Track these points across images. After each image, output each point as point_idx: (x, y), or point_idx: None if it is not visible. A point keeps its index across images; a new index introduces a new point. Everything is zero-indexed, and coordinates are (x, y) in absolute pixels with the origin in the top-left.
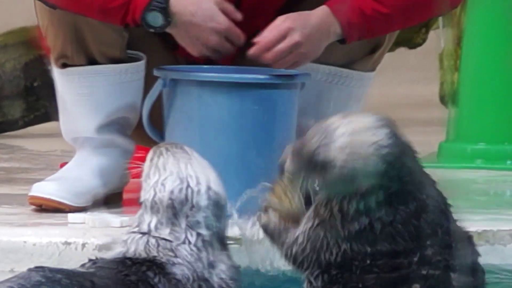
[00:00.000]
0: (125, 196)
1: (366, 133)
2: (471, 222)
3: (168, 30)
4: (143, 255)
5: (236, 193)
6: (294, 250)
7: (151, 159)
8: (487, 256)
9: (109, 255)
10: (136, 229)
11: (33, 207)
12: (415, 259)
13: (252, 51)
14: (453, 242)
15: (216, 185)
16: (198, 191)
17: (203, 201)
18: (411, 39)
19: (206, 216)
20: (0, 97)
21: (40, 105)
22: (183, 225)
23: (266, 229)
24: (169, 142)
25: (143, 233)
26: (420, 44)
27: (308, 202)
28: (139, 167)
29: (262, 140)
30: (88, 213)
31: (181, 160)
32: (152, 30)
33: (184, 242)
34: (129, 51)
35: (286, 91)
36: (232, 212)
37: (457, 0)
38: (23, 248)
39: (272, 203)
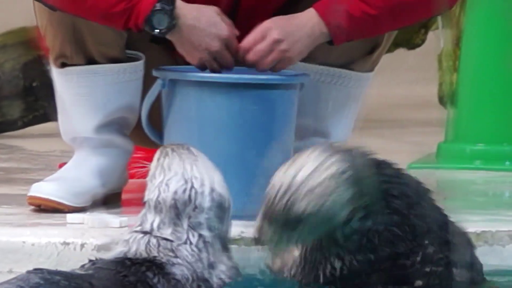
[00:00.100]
0: (124, 196)
1: (321, 170)
2: (470, 223)
3: (169, 35)
4: (144, 255)
5: (235, 193)
6: (295, 271)
7: (158, 159)
8: (486, 257)
9: (110, 254)
10: (138, 228)
11: (32, 207)
12: (418, 258)
13: (237, 55)
14: (450, 237)
15: (221, 187)
16: (202, 193)
17: (206, 202)
18: (410, 40)
19: (208, 217)
20: None
21: (39, 106)
22: (185, 225)
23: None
24: (176, 142)
25: (145, 233)
26: (419, 45)
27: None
28: (146, 166)
29: (261, 140)
30: (87, 213)
31: (186, 161)
32: (156, 32)
33: (185, 243)
34: (128, 51)
35: (285, 91)
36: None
37: (451, 1)
38: (22, 248)
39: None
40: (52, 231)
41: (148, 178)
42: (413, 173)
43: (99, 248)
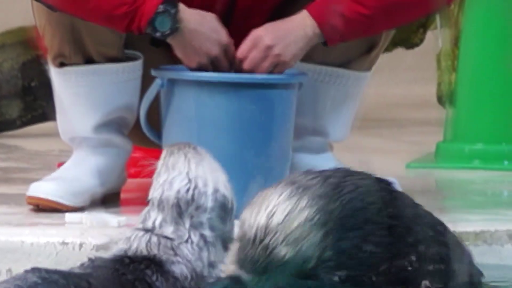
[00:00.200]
0: (123, 196)
1: (289, 211)
2: (468, 222)
3: (171, 38)
4: (144, 252)
5: (234, 193)
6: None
7: (163, 158)
8: (485, 256)
9: (110, 252)
10: (140, 226)
11: (31, 207)
12: (413, 257)
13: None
14: (442, 236)
15: (224, 188)
16: (205, 193)
17: (209, 202)
18: (409, 40)
19: (210, 217)
20: None
21: (37, 105)
22: (187, 224)
23: None
24: (183, 142)
25: (147, 230)
26: (417, 45)
27: None
28: (153, 165)
29: (260, 140)
30: (86, 213)
31: (191, 161)
32: (158, 35)
33: (186, 241)
34: (126, 51)
35: (284, 91)
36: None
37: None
38: (21, 248)
39: None
40: (51, 230)
41: (153, 177)
42: (412, 172)
43: (98, 247)
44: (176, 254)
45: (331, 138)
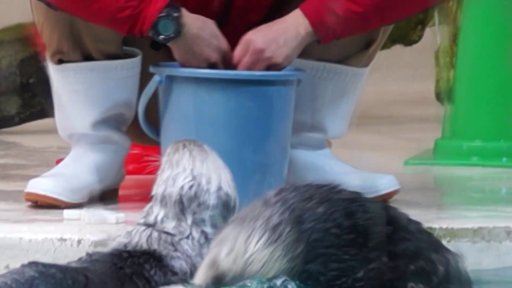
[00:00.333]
0: (121, 192)
1: (265, 261)
2: (467, 219)
3: (172, 42)
4: (144, 247)
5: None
6: None
7: (168, 154)
8: (483, 253)
9: (110, 246)
10: (142, 221)
11: (29, 203)
12: (384, 259)
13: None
14: (414, 234)
15: (228, 186)
16: (208, 190)
17: (212, 200)
18: (407, 36)
19: (213, 215)
20: None
21: (36, 102)
22: (189, 221)
23: None
24: (188, 139)
25: (148, 225)
26: (416, 41)
27: None
28: (157, 161)
29: (258, 137)
30: (84, 209)
31: (196, 158)
32: (161, 38)
33: (187, 237)
34: (125, 48)
35: (282, 87)
36: None
37: None
38: (19, 244)
39: None
40: (49, 227)
41: (158, 172)
42: (410, 169)
43: (96, 244)
44: (176, 250)
45: (329, 134)
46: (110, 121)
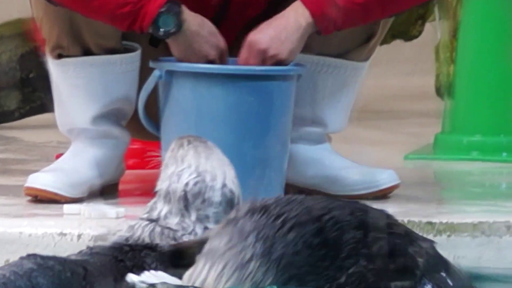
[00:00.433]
0: (121, 187)
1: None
2: (467, 214)
3: (172, 38)
4: (147, 241)
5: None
6: None
7: (172, 150)
8: (483, 248)
9: (111, 239)
10: (145, 216)
11: (29, 198)
12: (363, 263)
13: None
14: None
15: (232, 184)
16: (213, 187)
17: (216, 197)
18: (407, 31)
19: (216, 212)
20: None
21: (36, 97)
22: (193, 217)
23: None
24: (194, 135)
25: (151, 221)
26: (416, 36)
27: None
28: (159, 156)
29: (258, 132)
30: (84, 204)
31: (201, 154)
32: (161, 33)
33: (190, 233)
34: (124, 42)
35: (282, 82)
36: None
37: None
38: (19, 239)
39: None
40: (49, 222)
41: (161, 168)
42: (410, 164)
43: (96, 238)
44: None
45: (329, 129)
46: (110, 116)
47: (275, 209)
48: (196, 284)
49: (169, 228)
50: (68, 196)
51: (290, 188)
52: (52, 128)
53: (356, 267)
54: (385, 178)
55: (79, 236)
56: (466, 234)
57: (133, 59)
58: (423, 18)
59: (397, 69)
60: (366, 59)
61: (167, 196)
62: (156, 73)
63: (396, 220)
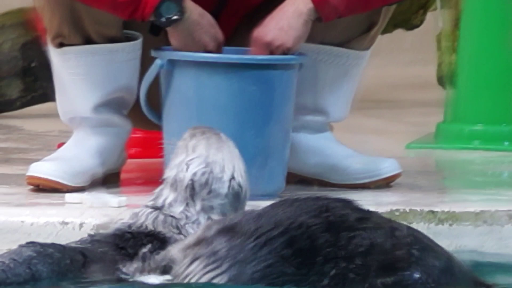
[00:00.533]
0: (123, 176)
1: None
2: (468, 203)
3: (173, 26)
4: (150, 228)
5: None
6: None
7: (184, 139)
8: (485, 237)
9: (113, 226)
10: (150, 203)
11: (31, 187)
12: (342, 264)
13: None
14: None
15: (241, 177)
16: (220, 178)
17: (223, 189)
18: (409, 21)
19: (222, 203)
20: None
21: (37, 86)
22: (198, 207)
23: None
24: (207, 126)
25: (156, 208)
26: (417, 26)
27: None
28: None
29: (260, 121)
30: (86, 193)
31: (213, 146)
32: (162, 21)
33: (193, 223)
34: (125, 31)
35: (284, 71)
36: None
37: None
38: (21, 228)
39: None
40: (51, 210)
41: (172, 156)
42: (412, 153)
43: (98, 227)
44: (180, 233)
45: (331, 118)
46: (111, 104)
47: (246, 227)
48: None
49: (172, 216)
50: (70, 185)
51: (292, 177)
52: (54, 117)
53: (337, 269)
54: (387, 167)
55: (81, 225)
56: (468, 223)
57: (134, 47)
58: (425, 7)
59: (399, 58)
60: (367, 48)
61: (174, 184)
62: (157, 62)
63: (361, 210)
